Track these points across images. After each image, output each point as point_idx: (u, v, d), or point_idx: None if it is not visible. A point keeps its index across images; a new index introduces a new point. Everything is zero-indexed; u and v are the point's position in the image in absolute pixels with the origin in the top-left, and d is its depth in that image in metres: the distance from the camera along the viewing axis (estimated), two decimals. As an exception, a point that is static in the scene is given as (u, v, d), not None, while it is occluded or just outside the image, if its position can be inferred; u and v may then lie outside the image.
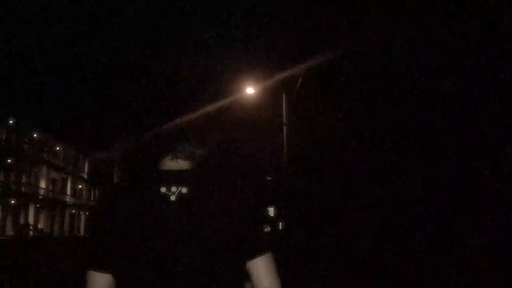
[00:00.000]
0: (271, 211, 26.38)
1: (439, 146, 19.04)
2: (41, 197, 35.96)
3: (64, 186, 42.58)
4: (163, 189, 1.13)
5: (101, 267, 1.11)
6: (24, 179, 33.44)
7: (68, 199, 42.52)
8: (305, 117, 22.34)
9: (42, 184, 36.83)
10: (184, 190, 1.14)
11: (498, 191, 15.77)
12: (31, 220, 32.31)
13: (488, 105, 15.83)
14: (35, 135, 34.86)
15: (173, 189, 1.14)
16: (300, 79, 20.49)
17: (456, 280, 8.68)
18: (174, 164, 1.19)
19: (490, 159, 16.61)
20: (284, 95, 20.93)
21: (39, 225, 34.29)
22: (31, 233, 29.37)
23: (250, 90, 21.23)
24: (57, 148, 40.94)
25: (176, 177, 1.16)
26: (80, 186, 47.98)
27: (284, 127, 20.28)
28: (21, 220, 31.53)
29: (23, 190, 32.05)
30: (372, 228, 19.91)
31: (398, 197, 19.64)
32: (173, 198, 1.13)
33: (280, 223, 30.04)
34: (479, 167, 16.84)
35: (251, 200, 1.17)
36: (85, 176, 49.02)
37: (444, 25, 16.21)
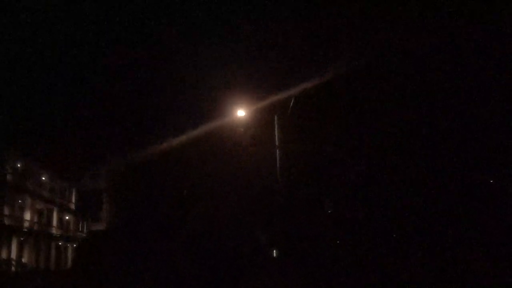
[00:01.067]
0: (265, 238, 25.49)
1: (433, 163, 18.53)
2: (25, 229, 34.73)
3: (50, 217, 41.32)
4: None
5: None
6: (6, 210, 32.26)
7: (54, 231, 41.19)
8: (299, 139, 21.71)
9: (27, 216, 35.63)
10: None
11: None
12: (14, 254, 30.98)
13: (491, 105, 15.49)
14: (18, 165, 33.87)
15: None
16: (292, 101, 19.92)
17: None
18: None
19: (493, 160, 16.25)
20: (276, 117, 20.41)
21: (23, 259, 33.00)
22: (13, 268, 28.14)
23: (241, 113, 20.69)
24: (43, 178, 39.87)
25: None
26: (67, 217, 46.70)
27: (277, 150, 19.69)
28: (3, 255, 30.22)
29: (5, 223, 30.82)
30: (376, 250, 19.19)
31: (395, 220, 19.13)
32: None
33: (274, 251, 29.06)
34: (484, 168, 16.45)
35: None
36: (73, 206, 47.79)
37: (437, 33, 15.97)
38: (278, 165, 19.75)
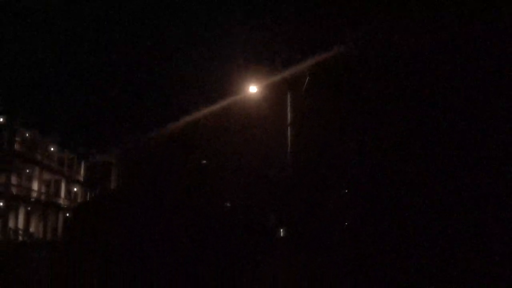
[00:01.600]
0: (272, 218, 25.12)
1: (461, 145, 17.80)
2: (33, 199, 34.80)
3: (58, 188, 41.38)
4: None
5: None
6: (14, 180, 32.28)
7: (62, 202, 41.30)
8: (313, 117, 21.14)
9: (34, 186, 35.67)
10: None
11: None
12: (21, 224, 31.09)
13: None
14: (27, 135, 33.73)
15: None
16: (308, 77, 19.31)
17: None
18: None
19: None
20: (289, 93, 19.84)
21: (30, 229, 33.17)
22: (20, 238, 28.25)
23: (252, 89, 20.14)
24: (51, 149, 39.79)
25: None
26: (75, 189, 46.80)
27: (289, 128, 19.19)
28: (11, 224, 30.34)
29: (13, 192, 30.85)
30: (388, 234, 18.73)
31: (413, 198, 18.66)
32: None
33: (281, 230, 28.81)
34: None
35: None
36: (81, 178, 47.83)
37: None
38: (289, 144, 19.28)
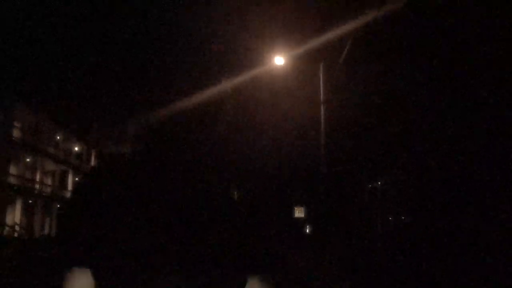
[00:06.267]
0: (299, 211, 22.57)
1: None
2: (35, 191, 32.76)
3: (64, 180, 39.39)
4: None
5: None
6: (14, 170, 30.19)
7: (69, 195, 39.27)
8: (348, 93, 18.20)
9: (37, 177, 33.65)
10: None
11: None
12: (17, 218, 28.95)
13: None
14: (29, 119, 31.59)
15: None
16: (348, 45, 16.20)
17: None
18: None
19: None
20: (322, 65, 17.06)
21: (31, 224, 31.11)
22: (15, 234, 26.12)
23: (279, 60, 17.53)
24: (57, 138, 37.71)
25: None
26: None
27: (322, 106, 16.43)
28: (8, 219, 28.23)
29: (11, 182, 28.71)
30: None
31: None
32: None
33: (307, 226, 26.02)
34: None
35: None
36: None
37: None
38: (322, 125, 16.46)
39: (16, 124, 30.08)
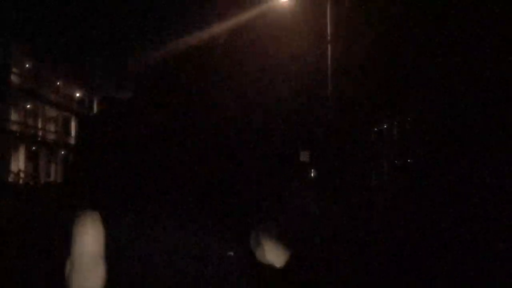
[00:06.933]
0: (304, 155, 22.29)
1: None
2: (38, 138, 32.61)
3: (67, 126, 39.17)
4: None
5: None
6: (16, 116, 29.89)
7: (73, 141, 39.14)
8: (360, 31, 17.34)
9: (39, 123, 33.40)
10: None
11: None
12: (22, 165, 28.94)
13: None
14: (27, 65, 30.92)
15: None
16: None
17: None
18: None
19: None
20: (329, 2, 16.25)
21: (36, 171, 31.20)
22: (21, 180, 26.20)
23: None
24: (58, 83, 37.13)
25: None
26: (89, 128, 44.65)
27: (329, 46, 15.78)
28: (13, 166, 28.21)
29: (12, 129, 28.47)
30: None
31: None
32: None
33: (312, 170, 25.83)
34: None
35: None
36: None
37: None
38: (329, 67, 15.85)
39: (14, 69, 29.47)
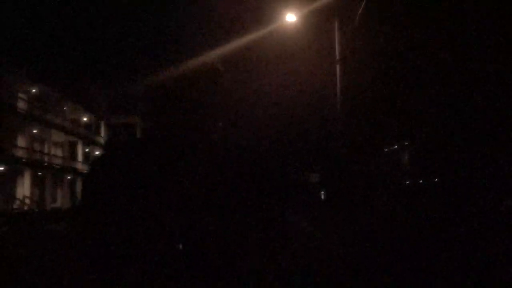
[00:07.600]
0: (314, 177, 21.99)
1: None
2: (45, 163, 32.38)
3: (74, 151, 39.00)
4: None
5: None
6: (22, 142, 29.74)
7: (80, 166, 38.92)
8: (366, 51, 17.18)
9: (45, 149, 33.20)
10: None
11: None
12: (27, 191, 28.63)
13: None
14: (33, 90, 30.90)
15: None
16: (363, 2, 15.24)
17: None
18: None
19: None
20: (336, 22, 16.07)
21: (41, 197, 30.87)
22: (25, 207, 25.86)
23: (291, 17, 16.66)
24: (64, 108, 37.10)
25: None
26: (97, 152, 44.42)
27: (338, 66, 15.54)
28: (18, 192, 27.93)
29: (17, 155, 28.26)
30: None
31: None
32: None
33: (322, 192, 25.55)
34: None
35: None
36: (102, 140, 45.36)
37: None
38: (338, 85, 15.58)
39: (21, 95, 29.44)
